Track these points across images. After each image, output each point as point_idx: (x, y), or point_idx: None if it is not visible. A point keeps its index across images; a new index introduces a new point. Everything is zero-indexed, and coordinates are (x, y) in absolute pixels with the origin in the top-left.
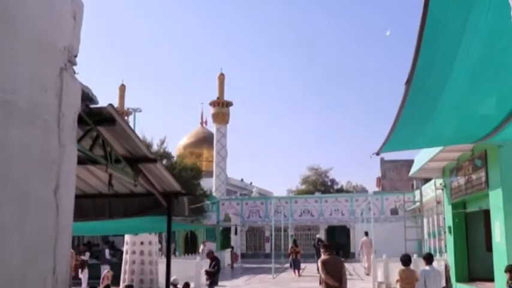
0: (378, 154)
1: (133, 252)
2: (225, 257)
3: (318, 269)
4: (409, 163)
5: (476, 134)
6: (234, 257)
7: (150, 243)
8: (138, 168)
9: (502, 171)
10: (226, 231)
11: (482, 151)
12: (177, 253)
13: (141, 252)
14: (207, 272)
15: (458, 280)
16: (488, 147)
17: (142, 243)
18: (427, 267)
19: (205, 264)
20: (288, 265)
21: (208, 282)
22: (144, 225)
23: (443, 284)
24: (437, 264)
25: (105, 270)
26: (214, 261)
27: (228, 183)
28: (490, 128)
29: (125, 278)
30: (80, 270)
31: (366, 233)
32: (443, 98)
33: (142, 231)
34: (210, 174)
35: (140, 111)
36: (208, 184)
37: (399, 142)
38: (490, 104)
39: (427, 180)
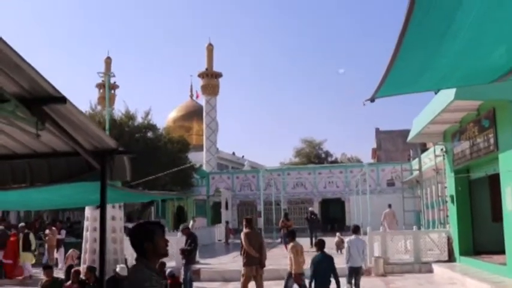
0: (372, 100)
1: (94, 229)
2: (215, 232)
3: (311, 244)
4: (405, 133)
5: (501, 66)
6: (228, 232)
7: (113, 218)
8: (42, 113)
9: None
10: (216, 206)
11: (490, 109)
12: (166, 229)
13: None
14: (182, 250)
15: (462, 253)
16: (497, 105)
17: None
18: (353, 237)
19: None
20: (279, 240)
21: (184, 261)
22: (80, 195)
23: (367, 252)
24: (439, 236)
25: (71, 250)
26: (191, 238)
27: (219, 157)
28: None
29: (85, 258)
30: (55, 250)
31: (390, 205)
32: (460, 17)
33: (79, 203)
34: (200, 148)
35: (114, 75)
36: (199, 158)
37: (400, 82)
38: None
39: (424, 150)
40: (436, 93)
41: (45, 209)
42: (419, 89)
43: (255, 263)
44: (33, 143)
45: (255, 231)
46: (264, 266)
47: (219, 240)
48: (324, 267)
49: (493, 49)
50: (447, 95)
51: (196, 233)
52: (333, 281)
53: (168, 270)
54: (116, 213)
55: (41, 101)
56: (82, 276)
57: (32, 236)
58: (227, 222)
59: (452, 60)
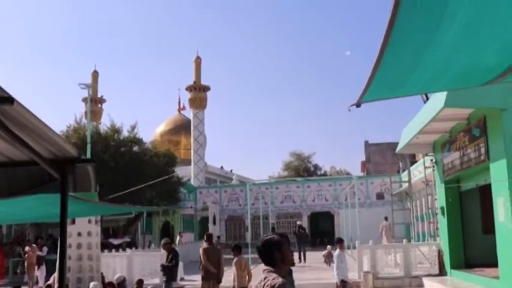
0: (358, 106)
1: (69, 246)
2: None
3: (300, 259)
4: (394, 146)
5: (494, 67)
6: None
7: (89, 234)
8: None
9: (506, 138)
10: (204, 221)
11: (481, 118)
12: (153, 245)
13: (79, 246)
14: (162, 267)
15: (453, 267)
16: (487, 113)
17: (79, 234)
18: (338, 251)
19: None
20: None
21: (165, 278)
22: (42, 208)
23: (345, 265)
24: (429, 249)
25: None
26: (172, 253)
27: (207, 171)
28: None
29: None
30: (36, 267)
31: (386, 218)
32: (449, 14)
33: (42, 217)
34: (188, 162)
35: (94, 87)
36: (187, 172)
37: (387, 83)
38: None
39: (413, 162)
40: (425, 102)
41: (6, 223)
42: (408, 92)
43: (212, 278)
44: None
45: (214, 247)
46: (220, 281)
47: None
48: None
49: (486, 47)
50: (437, 103)
51: (183, 249)
52: None
53: None
54: (92, 229)
55: None
56: None
57: None
58: (218, 237)
59: (443, 58)
